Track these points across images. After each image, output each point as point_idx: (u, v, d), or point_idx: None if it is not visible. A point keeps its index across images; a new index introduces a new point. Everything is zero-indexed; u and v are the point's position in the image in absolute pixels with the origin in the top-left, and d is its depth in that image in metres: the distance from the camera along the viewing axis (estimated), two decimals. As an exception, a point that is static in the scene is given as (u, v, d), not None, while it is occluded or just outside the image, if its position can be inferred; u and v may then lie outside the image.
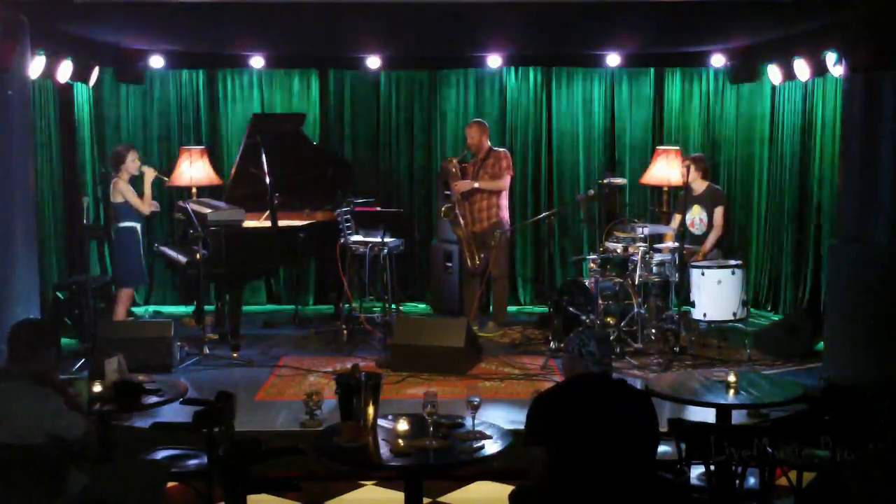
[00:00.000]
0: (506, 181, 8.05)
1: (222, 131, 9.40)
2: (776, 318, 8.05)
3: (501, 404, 6.15)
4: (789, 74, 8.02)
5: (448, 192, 8.17)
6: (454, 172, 8.09)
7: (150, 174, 7.75)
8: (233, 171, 8.16)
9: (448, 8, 6.48)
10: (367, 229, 7.90)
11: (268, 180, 7.60)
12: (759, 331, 7.74)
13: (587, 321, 7.23)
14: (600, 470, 3.63)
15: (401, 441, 4.01)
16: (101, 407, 4.57)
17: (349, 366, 5.59)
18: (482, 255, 8.06)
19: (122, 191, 7.59)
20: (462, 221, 8.05)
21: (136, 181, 7.77)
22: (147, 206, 7.72)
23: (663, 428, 3.91)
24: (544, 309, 8.72)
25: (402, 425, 4.06)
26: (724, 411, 4.80)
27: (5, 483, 3.74)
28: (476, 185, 7.98)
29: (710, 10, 6.66)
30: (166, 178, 8.14)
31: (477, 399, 4.12)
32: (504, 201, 8.10)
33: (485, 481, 5.30)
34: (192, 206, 7.49)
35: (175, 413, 4.98)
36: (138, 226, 7.70)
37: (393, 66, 9.23)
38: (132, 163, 7.67)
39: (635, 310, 7.31)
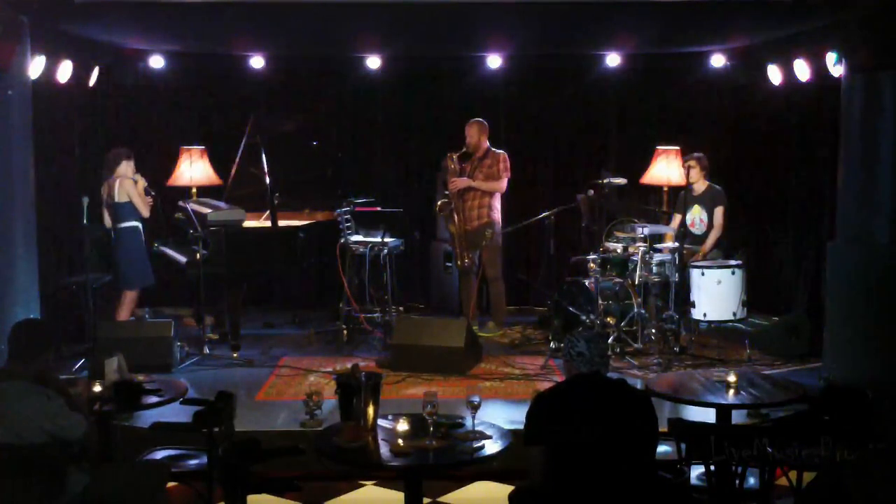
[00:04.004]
0: (502, 184, 8.03)
1: (222, 131, 9.39)
2: (776, 318, 8.05)
3: (501, 404, 6.15)
4: (789, 74, 8.02)
5: (447, 192, 8.17)
6: (453, 168, 8.09)
7: (141, 183, 7.66)
8: (233, 171, 8.16)
9: (448, 8, 6.48)
10: (367, 229, 7.91)
11: (268, 180, 7.60)
12: (759, 331, 7.74)
13: (587, 321, 7.24)
14: (600, 470, 3.64)
15: (401, 441, 4.01)
16: (101, 407, 4.57)
17: (349, 366, 5.61)
18: (470, 255, 8.05)
19: (129, 191, 7.55)
20: (455, 218, 8.05)
21: None
22: (147, 208, 7.67)
23: (663, 428, 3.92)
24: (544, 309, 8.73)
25: (402, 425, 4.07)
26: (724, 411, 4.81)
27: (5, 483, 3.74)
28: (472, 183, 7.98)
29: (710, 10, 6.66)
30: (153, 195, 7.76)
31: (477, 399, 4.13)
32: (497, 202, 8.08)
33: (485, 481, 5.31)
34: (192, 206, 7.49)
35: (175, 413, 4.98)
36: (140, 225, 7.68)
37: (393, 66, 9.23)
38: (127, 168, 7.63)
39: (635, 310, 7.31)
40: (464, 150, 8.11)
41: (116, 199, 7.58)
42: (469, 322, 7.45)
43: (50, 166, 7.76)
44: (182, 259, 7.54)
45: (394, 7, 6.44)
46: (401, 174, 9.57)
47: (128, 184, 7.57)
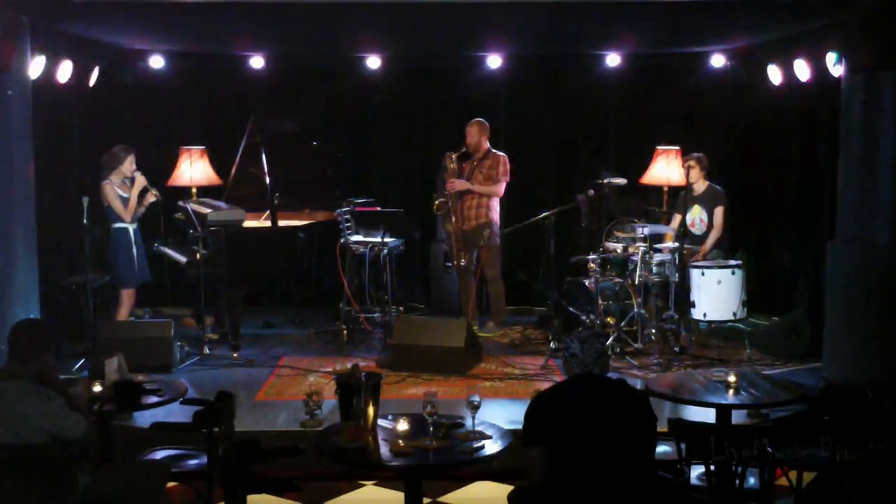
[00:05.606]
0: (501, 187, 8.02)
1: (222, 131, 9.39)
2: (776, 318, 8.06)
3: (501, 404, 6.15)
4: (789, 74, 8.02)
5: (445, 192, 8.17)
6: (451, 168, 8.08)
7: (140, 182, 7.64)
8: (233, 171, 8.15)
9: (448, 8, 6.48)
10: (367, 229, 7.90)
11: (268, 180, 7.60)
12: (759, 331, 7.74)
13: (587, 321, 7.24)
14: (599, 470, 3.64)
15: (401, 441, 4.01)
16: (101, 407, 4.57)
17: (349, 366, 5.62)
18: (468, 255, 8.04)
19: (107, 195, 7.53)
20: (452, 217, 8.04)
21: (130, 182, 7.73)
22: (130, 213, 7.59)
23: (663, 428, 3.92)
24: (544, 309, 8.72)
25: (402, 425, 4.07)
26: (724, 411, 4.81)
27: (5, 483, 3.74)
28: (470, 187, 7.97)
29: (710, 10, 6.66)
30: (156, 193, 7.78)
31: (477, 399, 4.13)
32: (495, 203, 8.07)
33: (485, 481, 5.31)
34: (192, 206, 7.49)
35: (175, 413, 4.98)
36: (130, 227, 7.64)
37: (393, 66, 9.23)
38: (129, 165, 7.62)
39: (635, 310, 7.31)
40: (463, 150, 8.11)
41: (102, 202, 7.58)
42: (469, 322, 7.45)
43: (50, 166, 7.76)
44: (182, 259, 7.54)
45: (394, 7, 6.44)
46: (401, 174, 9.57)
47: (107, 189, 7.52)
